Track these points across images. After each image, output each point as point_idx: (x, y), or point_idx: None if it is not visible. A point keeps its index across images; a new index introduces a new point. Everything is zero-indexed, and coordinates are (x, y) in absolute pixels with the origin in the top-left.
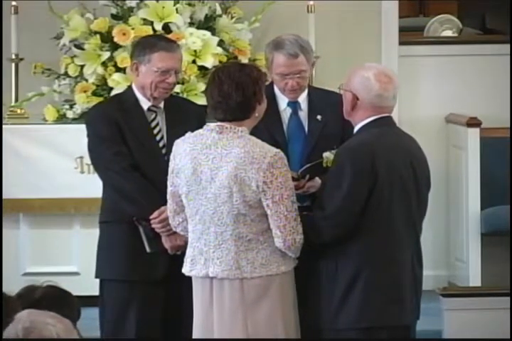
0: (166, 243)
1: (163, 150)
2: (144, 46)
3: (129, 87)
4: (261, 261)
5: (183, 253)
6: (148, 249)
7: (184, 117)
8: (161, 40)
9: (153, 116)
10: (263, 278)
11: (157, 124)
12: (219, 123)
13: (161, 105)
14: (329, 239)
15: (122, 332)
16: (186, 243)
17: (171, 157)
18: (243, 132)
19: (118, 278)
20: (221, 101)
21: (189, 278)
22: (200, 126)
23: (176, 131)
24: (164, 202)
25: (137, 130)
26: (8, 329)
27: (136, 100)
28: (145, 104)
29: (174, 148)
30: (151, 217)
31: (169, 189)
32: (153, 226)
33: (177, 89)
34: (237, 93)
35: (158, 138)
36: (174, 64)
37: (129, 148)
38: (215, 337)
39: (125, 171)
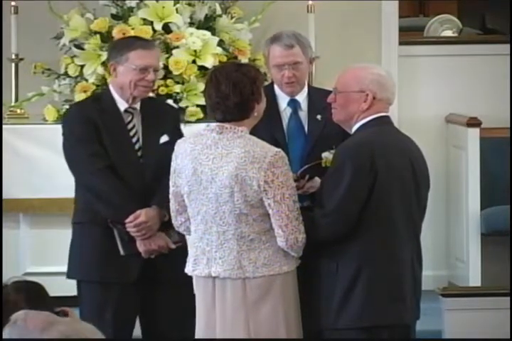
0: (141, 247)
1: (139, 153)
2: (121, 46)
3: (107, 88)
4: (263, 261)
5: (157, 256)
6: (122, 252)
7: (160, 120)
8: (137, 40)
9: (129, 117)
10: (265, 277)
11: (133, 126)
12: (219, 124)
13: (138, 107)
14: (328, 237)
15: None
16: (161, 247)
17: (173, 157)
18: (243, 132)
19: (90, 280)
20: (219, 101)
21: (162, 281)
22: (176, 129)
23: (152, 133)
24: (138, 206)
25: (114, 131)
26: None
27: (114, 101)
28: (122, 105)
29: (176, 148)
30: (126, 221)
31: (171, 189)
32: (128, 229)
33: (177, 89)
34: (234, 93)
35: (134, 140)
36: (152, 61)
37: (107, 150)
38: (218, 337)
39: (101, 172)
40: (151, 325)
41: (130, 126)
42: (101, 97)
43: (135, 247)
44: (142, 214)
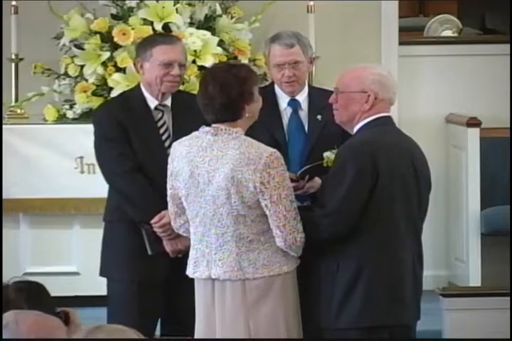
0: (167, 247)
1: (169, 150)
2: (145, 43)
3: (137, 86)
4: (263, 262)
5: (185, 256)
6: (149, 251)
7: (192, 115)
8: (160, 36)
9: (160, 115)
10: (265, 278)
11: (164, 123)
12: (213, 125)
13: (169, 103)
14: (329, 236)
15: None
16: (187, 247)
17: (169, 160)
18: (238, 133)
19: (119, 278)
20: (207, 103)
21: (190, 280)
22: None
23: (183, 129)
24: (164, 206)
25: (143, 130)
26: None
27: (144, 99)
28: (152, 103)
29: (172, 151)
30: (151, 222)
31: (169, 191)
32: (154, 230)
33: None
34: (221, 94)
35: (164, 137)
36: (176, 56)
37: (134, 149)
38: (218, 338)
39: (128, 174)
40: (175, 325)
41: (160, 123)
42: (129, 96)
43: (162, 247)
44: (167, 215)
